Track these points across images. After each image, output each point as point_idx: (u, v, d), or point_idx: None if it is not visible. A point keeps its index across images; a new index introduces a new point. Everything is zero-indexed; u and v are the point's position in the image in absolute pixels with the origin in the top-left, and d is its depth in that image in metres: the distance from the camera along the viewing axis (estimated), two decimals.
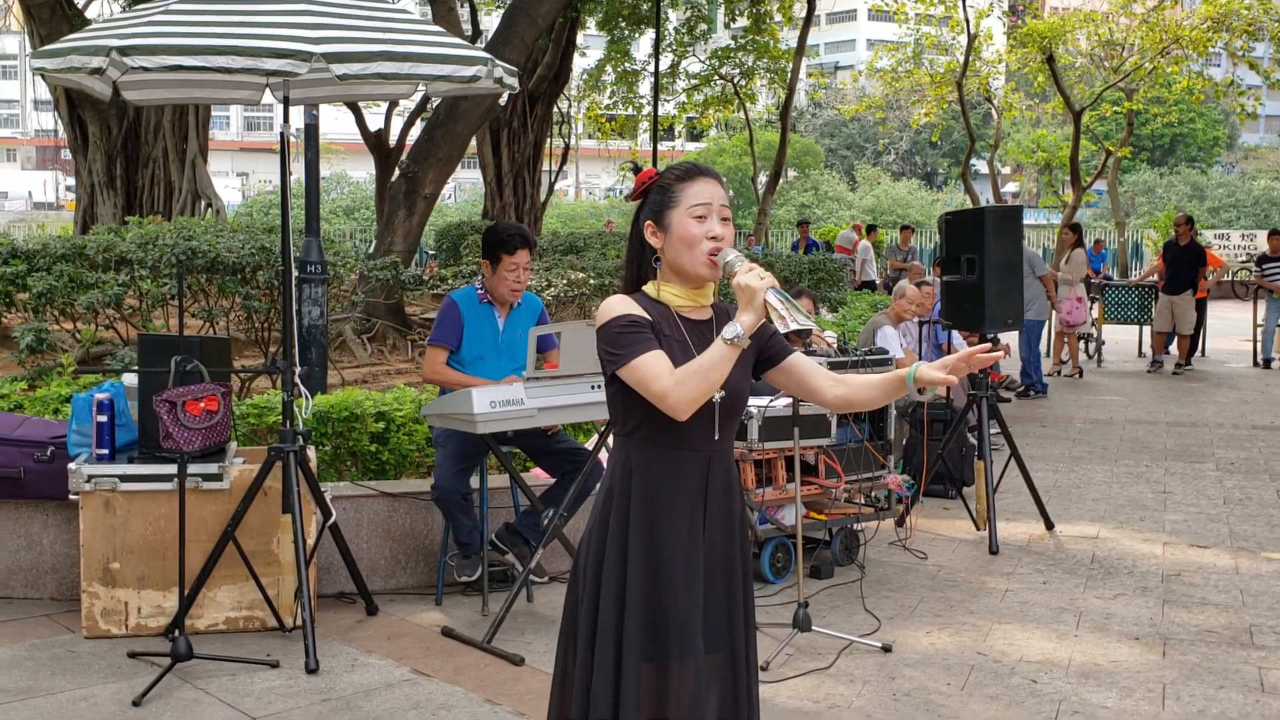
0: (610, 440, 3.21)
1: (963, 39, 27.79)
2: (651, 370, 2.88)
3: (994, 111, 34.13)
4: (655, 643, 2.99)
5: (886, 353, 7.42)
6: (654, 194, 3.05)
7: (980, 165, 41.39)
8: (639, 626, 2.98)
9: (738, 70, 27.45)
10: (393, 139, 23.30)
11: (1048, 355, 15.93)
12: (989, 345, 3.16)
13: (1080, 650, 5.57)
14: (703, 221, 2.98)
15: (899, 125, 50.09)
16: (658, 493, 3.01)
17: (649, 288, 3.08)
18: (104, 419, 5.48)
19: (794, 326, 2.84)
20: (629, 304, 3.00)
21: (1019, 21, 28.66)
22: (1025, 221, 9.20)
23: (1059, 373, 15.67)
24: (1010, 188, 56.51)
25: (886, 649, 5.50)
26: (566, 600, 3.19)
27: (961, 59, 27.39)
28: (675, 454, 3.02)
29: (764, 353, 3.17)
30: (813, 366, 3.19)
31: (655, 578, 2.99)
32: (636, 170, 3.15)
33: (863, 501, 7.01)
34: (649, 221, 3.04)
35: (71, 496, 5.47)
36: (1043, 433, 11.41)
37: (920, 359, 8.68)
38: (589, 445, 6.09)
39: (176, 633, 5.01)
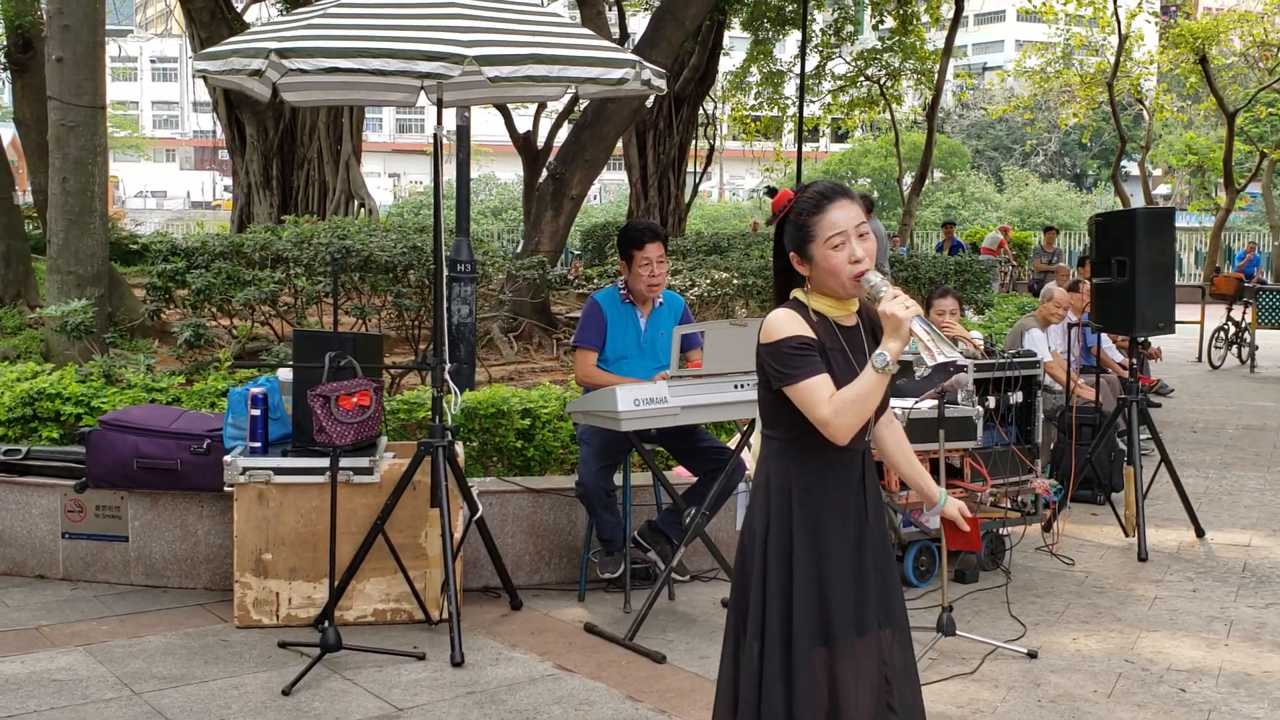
0: (757, 440, 3.27)
1: (1113, 39, 27.21)
2: (816, 396, 3.01)
3: (1145, 113, 33.29)
4: (825, 629, 3.12)
5: (1034, 355, 7.29)
6: (790, 229, 3.13)
7: (1131, 167, 40.18)
8: (807, 615, 3.11)
9: (884, 71, 27.19)
10: (540, 141, 23.60)
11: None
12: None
13: (1231, 659, 5.41)
14: (841, 249, 3.05)
15: (1047, 126, 49.12)
16: (821, 488, 3.15)
17: (802, 296, 3.16)
18: (258, 413, 5.64)
19: (940, 360, 2.87)
20: (798, 322, 3.08)
21: (1171, 21, 27.93)
22: (1176, 225, 8.95)
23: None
24: (1161, 190, 54.87)
25: (1032, 655, 5.41)
26: (732, 599, 3.32)
27: (1112, 59, 26.77)
28: (836, 454, 3.15)
29: None
30: None
31: (821, 569, 3.13)
32: (771, 194, 3.23)
33: (1009, 506, 6.90)
34: (793, 254, 3.13)
35: (226, 488, 5.62)
36: (1194, 438, 11.09)
37: (1070, 362, 8.52)
38: (731, 444, 6.08)
39: (326, 624, 5.13)
